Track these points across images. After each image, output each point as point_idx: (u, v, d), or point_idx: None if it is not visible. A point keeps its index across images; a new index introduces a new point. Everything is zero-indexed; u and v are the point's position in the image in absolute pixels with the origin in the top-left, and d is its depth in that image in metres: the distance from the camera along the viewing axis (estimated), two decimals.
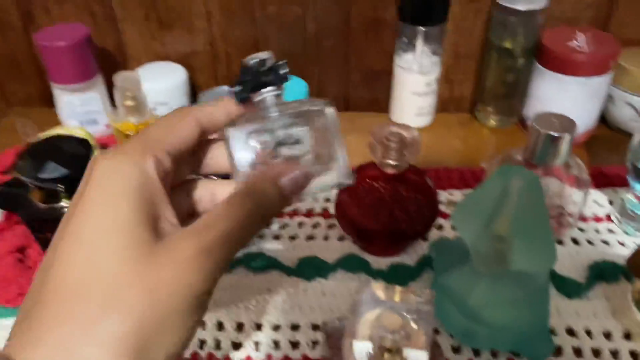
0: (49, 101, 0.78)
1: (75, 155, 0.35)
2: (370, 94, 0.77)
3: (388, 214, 0.49)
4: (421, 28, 0.65)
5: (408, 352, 0.34)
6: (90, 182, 0.23)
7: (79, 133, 0.59)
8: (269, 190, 0.26)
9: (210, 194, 0.30)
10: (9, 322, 0.46)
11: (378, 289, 0.41)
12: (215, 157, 0.30)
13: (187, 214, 0.29)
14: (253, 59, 0.28)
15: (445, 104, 0.77)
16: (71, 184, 0.36)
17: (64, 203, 0.36)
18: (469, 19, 0.70)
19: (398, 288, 0.40)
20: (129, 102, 0.53)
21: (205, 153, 0.30)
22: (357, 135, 0.69)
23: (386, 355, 0.34)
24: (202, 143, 0.29)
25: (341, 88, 0.77)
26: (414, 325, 0.35)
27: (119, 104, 0.54)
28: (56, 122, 0.69)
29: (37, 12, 0.70)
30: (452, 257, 0.46)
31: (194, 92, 0.75)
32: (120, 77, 0.53)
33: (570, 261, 0.51)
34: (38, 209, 0.36)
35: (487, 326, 0.41)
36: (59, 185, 0.35)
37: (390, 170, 0.47)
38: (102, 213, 0.23)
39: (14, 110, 0.78)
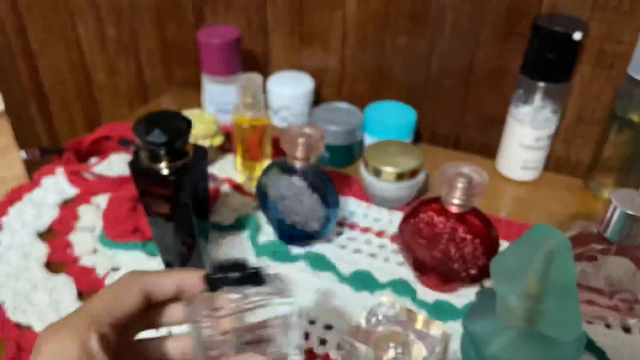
0: (198, 87, 0.92)
1: (177, 128, 0.43)
2: (482, 138, 0.78)
3: (443, 250, 0.50)
4: (541, 84, 0.65)
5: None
6: (38, 353, 0.26)
7: (210, 118, 0.69)
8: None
9: (162, 352, 0.32)
10: (110, 252, 0.57)
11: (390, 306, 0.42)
12: (169, 315, 0.32)
13: None
14: (229, 261, 0.31)
15: (559, 165, 0.74)
16: (168, 150, 0.44)
17: (163, 164, 0.44)
18: (599, 84, 0.67)
19: (421, 317, 0.41)
20: (248, 99, 0.62)
21: (159, 311, 0.32)
22: None
23: None
24: (155, 304, 0.31)
25: (454, 127, 0.78)
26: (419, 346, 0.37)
27: (240, 99, 0.62)
28: (199, 103, 0.82)
29: (207, 12, 0.83)
30: (484, 305, 0.46)
31: (317, 103, 0.83)
32: (244, 77, 0.61)
33: (632, 351, 0.48)
34: (143, 166, 0.44)
35: None
36: (160, 148, 0.43)
37: (452, 209, 0.49)
38: None
39: (172, 89, 0.92)
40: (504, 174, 0.73)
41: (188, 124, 0.44)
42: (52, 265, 0.55)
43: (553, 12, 0.65)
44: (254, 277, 0.31)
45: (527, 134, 0.68)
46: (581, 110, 0.70)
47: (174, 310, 0.32)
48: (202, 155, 0.47)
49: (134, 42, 0.92)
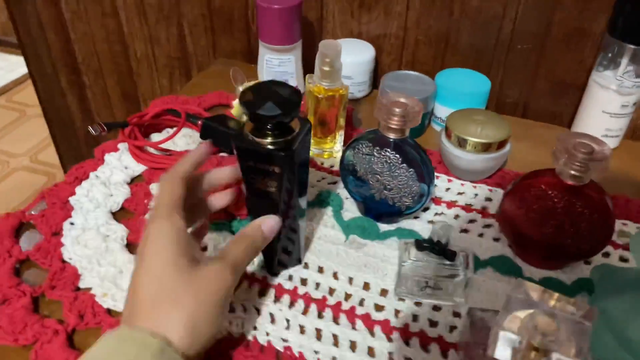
0: (247, 57, 0.88)
1: (289, 101, 0.40)
2: (554, 105, 0.74)
3: (556, 226, 0.47)
4: (631, 46, 0.61)
5: (556, 357, 0.34)
6: (149, 240, 0.39)
7: None
8: (255, 232, 0.43)
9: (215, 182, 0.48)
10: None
11: (533, 289, 0.40)
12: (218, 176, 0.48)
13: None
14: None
15: (637, 131, 0.71)
16: (279, 125, 0.41)
17: (269, 140, 0.41)
18: None
19: (556, 294, 0.39)
20: (326, 67, 0.58)
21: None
22: (529, 144, 0.68)
23: (533, 353, 0.34)
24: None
25: (523, 94, 0.75)
26: (567, 334, 0.35)
27: (317, 67, 0.58)
28: (250, 75, 0.77)
29: None
30: (616, 283, 0.43)
31: (376, 72, 0.79)
32: (323, 43, 0.57)
33: None
34: (248, 140, 0.41)
35: None
36: (270, 124, 0.40)
37: (570, 181, 0.46)
38: (158, 257, 0.38)
39: (219, 60, 0.88)
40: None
41: (299, 95, 0.41)
42: (134, 247, 0.53)
43: None
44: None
45: (613, 100, 0.64)
46: None
47: (220, 174, 0.48)
48: (308, 129, 0.43)
49: (176, 9, 0.87)
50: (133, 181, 0.61)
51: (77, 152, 1.19)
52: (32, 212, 0.55)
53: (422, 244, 0.45)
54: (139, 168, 0.62)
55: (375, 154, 0.52)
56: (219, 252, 0.41)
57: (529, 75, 0.73)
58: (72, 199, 0.57)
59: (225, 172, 0.48)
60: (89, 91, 1.05)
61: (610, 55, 0.63)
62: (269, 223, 0.44)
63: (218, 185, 0.48)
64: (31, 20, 0.98)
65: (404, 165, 0.51)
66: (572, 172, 0.45)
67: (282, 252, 0.49)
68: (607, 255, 0.53)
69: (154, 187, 0.59)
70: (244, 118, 0.65)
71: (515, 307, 0.37)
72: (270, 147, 0.41)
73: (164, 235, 0.39)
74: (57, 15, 0.96)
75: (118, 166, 0.62)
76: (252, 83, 0.66)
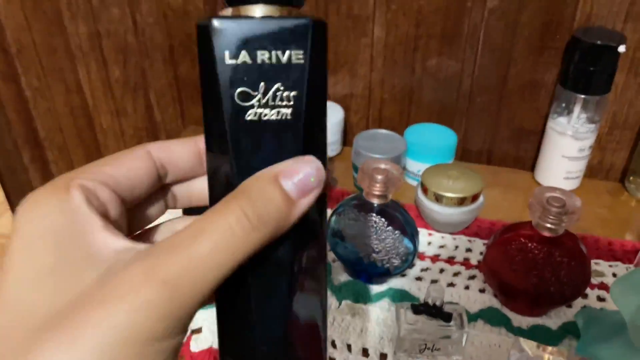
0: None
1: None
2: (516, 151, 0.79)
3: (538, 276, 0.50)
4: (581, 96, 0.66)
5: None
6: (14, 228, 0.20)
7: None
8: (268, 190, 0.19)
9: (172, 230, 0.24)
10: None
11: (527, 345, 0.42)
12: (193, 191, 0.25)
13: None
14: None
15: (593, 170, 0.76)
16: None
17: (270, 7, 0.20)
18: (633, 90, 0.69)
19: (549, 348, 0.41)
20: None
21: (183, 191, 0.25)
22: (499, 190, 0.72)
23: None
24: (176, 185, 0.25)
25: (487, 141, 0.79)
26: None
27: None
28: None
29: None
30: (602, 328, 0.46)
31: (345, 130, 0.81)
32: None
33: None
34: (236, 19, 0.20)
35: None
36: None
37: (546, 233, 0.49)
38: (24, 264, 0.18)
39: (188, 129, 0.89)
40: (545, 185, 0.74)
41: None
42: None
43: (587, 24, 0.66)
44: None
45: (570, 145, 0.69)
46: (615, 117, 0.72)
47: (196, 185, 0.25)
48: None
49: (142, 81, 0.88)
50: None
51: None
52: None
53: (419, 308, 0.47)
54: None
55: (361, 219, 0.54)
56: (164, 240, 0.19)
57: (490, 124, 0.77)
58: None
59: (181, 147, 0.24)
60: (54, 166, 1.03)
61: (563, 104, 0.68)
62: (295, 170, 0.20)
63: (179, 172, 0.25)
64: None
65: (390, 228, 0.53)
66: (548, 225, 0.48)
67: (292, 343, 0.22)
68: (585, 296, 0.56)
69: None
70: None
71: None
72: (277, 14, 0.20)
73: (38, 223, 0.19)
74: (18, 92, 0.95)
75: None
76: None
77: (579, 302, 0.55)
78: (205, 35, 0.19)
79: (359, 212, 0.54)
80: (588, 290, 0.56)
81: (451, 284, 0.58)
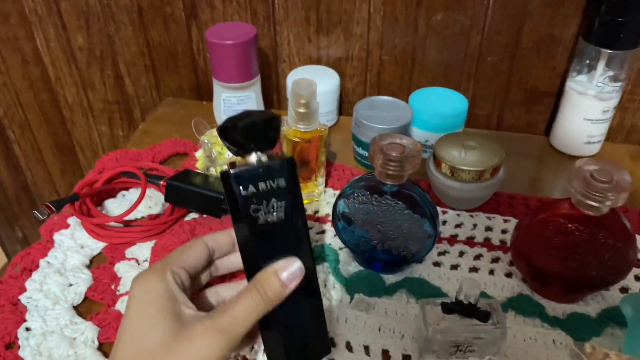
0: (197, 94, 0.80)
1: (266, 113, 0.35)
2: (528, 115, 0.72)
3: (579, 259, 0.44)
4: (606, 50, 0.59)
5: None
6: (131, 297, 0.34)
7: None
8: (271, 280, 0.33)
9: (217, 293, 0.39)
10: None
11: (583, 349, 0.37)
12: (228, 263, 0.41)
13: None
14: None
15: (612, 133, 0.70)
16: (266, 134, 0.34)
17: (260, 155, 0.34)
18: None
19: (608, 352, 0.36)
20: (302, 109, 0.52)
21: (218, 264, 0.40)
22: (513, 159, 0.65)
23: None
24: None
25: (497, 105, 0.72)
26: None
27: (291, 108, 0.53)
28: (204, 115, 0.68)
29: (201, 7, 0.71)
30: None
31: (341, 98, 0.74)
32: (296, 83, 0.51)
33: None
34: (240, 168, 0.34)
35: None
36: (257, 138, 0.34)
37: (589, 212, 0.43)
38: (140, 317, 0.33)
39: (165, 101, 0.80)
40: (563, 151, 0.67)
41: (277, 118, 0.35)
42: (108, 348, 0.44)
43: None
44: None
45: (593, 106, 0.62)
46: (638, 74, 0.65)
47: (230, 259, 0.40)
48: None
49: (109, 49, 0.78)
50: (93, 263, 0.52)
51: (9, 216, 1.06)
52: None
53: (450, 307, 0.40)
54: (97, 245, 0.53)
55: (374, 202, 0.47)
56: (217, 308, 0.34)
57: (501, 86, 0.70)
58: (23, 297, 0.48)
59: (224, 237, 0.40)
60: (16, 146, 0.94)
61: (587, 61, 0.61)
62: (288, 267, 0.34)
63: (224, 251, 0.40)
64: None
65: (408, 211, 0.46)
66: (592, 202, 0.42)
67: (298, 336, 0.37)
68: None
69: (120, 268, 0.51)
70: (212, 171, 0.58)
71: None
72: (265, 159, 0.34)
73: (149, 294, 0.33)
74: None
75: (72, 247, 0.53)
76: (215, 130, 0.59)
77: (617, 284, 0.49)
78: (227, 179, 0.33)
79: (371, 194, 0.47)
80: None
81: (474, 269, 0.52)
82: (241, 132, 0.33)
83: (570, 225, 0.44)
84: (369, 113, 0.63)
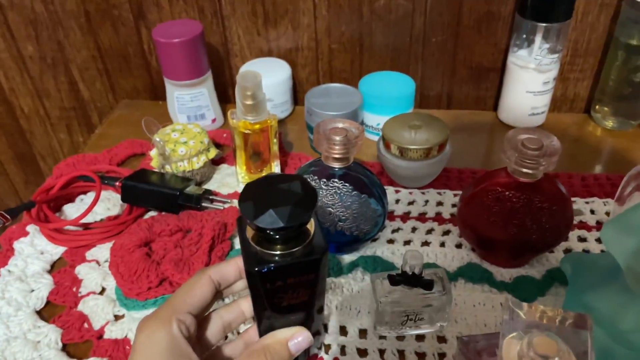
0: (152, 94, 0.81)
1: (294, 212, 0.31)
2: (476, 91, 0.74)
3: (518, 225, 0.46)
4: (542, 24, 0.61)
5: None
6: (136, 347, 0.33)
7: (197, 130, 0.60)
8: (280, 350, 0.34)
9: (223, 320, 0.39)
10: (138, 314, 0.47)
11: (521, 308, 0.39)
12: (235, 291, 0.39)
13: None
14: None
15: (557, 103, 0.73)
16: (286, 233, 0.33)
17: (277, 251, 0.33)
18: (593, 14, 0.65)
19: (540, 307, 0.38)
20: (249, 101, 0.53)
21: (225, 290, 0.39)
22: (463, 135, 0.68)
23: None
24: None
25: (445, 85, 0.74)
26: (568, 353, 0.33)
27: (239, 101, 0.54)
28: (160, 114, 0.69)
29: (148, 7, 0.72)
30: (592, 274, 0.43)
31: (295, 88, 0.75)
32: (241, 75, 0.53)
33: None
34: (270, 259, 0.33)
35: (635, 350, 0.39)
36: (272, 232, 0.32)
37: (524, 179, 0.45)
38: None
39: (121, 103, 0.80)
40: (510, 124, 0.70)
41: (310, 195, 0.33)
42: (74, 350, 0.45)
43: None
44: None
45: (534, 78, 0.65)
46: (576, 44, 0.68)
47: (237, 286, 0.39)
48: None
49: (60, 56, 0.78)
50: (54, 267, 0.53)
51: None
52: None
53: (396, 278, 0.42)
54: (57, 250, 0.54)
55: (322, 186, 0.48)
56: None
57: (447, 65, 0.72)
58: None
59: (230, 268, 0.38)
60: None
61: (524, 35, 0.63)
62: (299, 341, 0.35)
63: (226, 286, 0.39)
64: None
65: (356, 192, 0.48)
66: (525, 169, 0.44)
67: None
68: (566, 238, 0.53)
69: (80, 270, 0.52)
70: (167, 168, 0.59)
71: (507, 330, 0.35)
72: (299, 255, 0.33)
73: (154, 346, 0.33)
74: None
75: (32, 254, 0.54)
76: (167, 128, 0.60)
77: (560, 246, 0.52)
78: (252, 264, 0.33)
79: (320, 179, 0.48)
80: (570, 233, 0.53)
81: (426, 243, 0.54)
82: (278, 231, 0.31)
83: (507, 192, 0.46)
84: (319, 101, 0.64)
